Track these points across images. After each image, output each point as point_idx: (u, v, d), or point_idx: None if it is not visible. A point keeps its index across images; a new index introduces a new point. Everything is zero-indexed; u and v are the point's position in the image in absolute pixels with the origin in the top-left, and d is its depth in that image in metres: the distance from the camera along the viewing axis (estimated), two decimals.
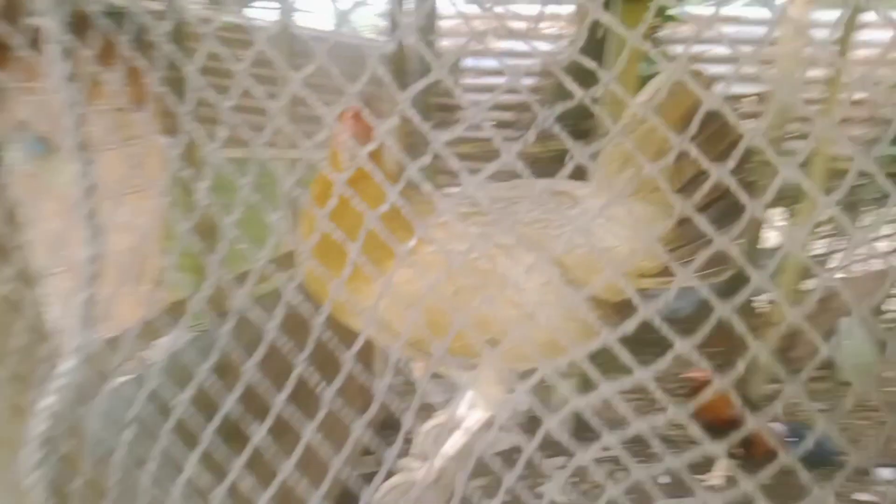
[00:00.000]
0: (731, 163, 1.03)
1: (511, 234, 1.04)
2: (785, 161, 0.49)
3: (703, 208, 1.06)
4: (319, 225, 0.90)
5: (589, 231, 1.09)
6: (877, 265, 3.60)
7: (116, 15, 0.71)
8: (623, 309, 1.15)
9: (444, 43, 4.74)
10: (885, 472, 2.50)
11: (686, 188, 1.10)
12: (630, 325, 0.52)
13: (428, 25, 3.96)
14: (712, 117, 1.06)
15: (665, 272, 1.10)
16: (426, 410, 1.70)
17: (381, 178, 0.67)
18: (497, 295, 1.04)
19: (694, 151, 1.03)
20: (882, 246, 3.63)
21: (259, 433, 0.64)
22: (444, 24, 4.69)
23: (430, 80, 0.55)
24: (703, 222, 0.55)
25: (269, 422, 0.64)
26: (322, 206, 1.01)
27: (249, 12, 4.49)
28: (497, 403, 1.19)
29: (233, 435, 0.70)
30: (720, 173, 0.48)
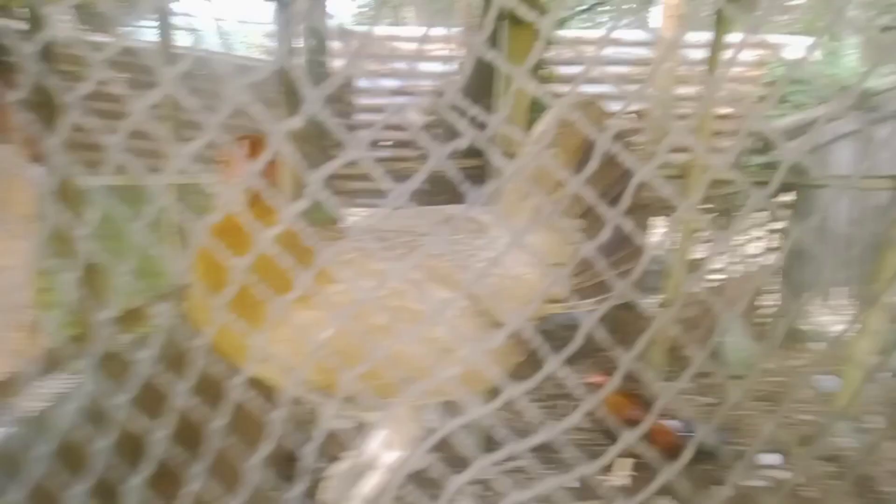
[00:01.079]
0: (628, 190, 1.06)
1: (421, 268, 1.02)
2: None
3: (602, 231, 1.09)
4: (215, 270, 0.84)
5: (499, 261, 1.07)
6: (751, 266, 3.91)
7: None
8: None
9: (337, 63, 4.73)
10: (770, 458, 2.69)
11: (587, 215, 1.13)
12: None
13: (319, 47, 3.92)
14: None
15: (571, 295, 1.11)
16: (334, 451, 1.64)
17: (306, 235, 0.62)
18: (410, 332, 0.99)
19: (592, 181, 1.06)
20: (755, 248, 3.94)
21: None
22: (334, 44, 4.67)
23: (345, 161, 0.53)
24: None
25: None
26: (219, 243, 0.94)
27: (127, 32, 4.27)
28: (412, 440, 1.15)
29: None
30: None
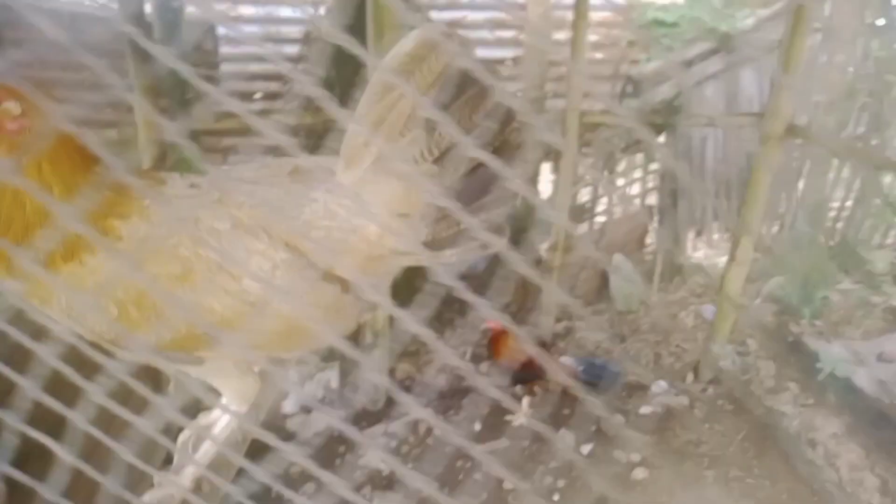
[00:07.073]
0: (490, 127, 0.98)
1: (226, 218, 0.97)
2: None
3: (467, 174, 1.03)
4: None
5: (333, 212, 1.02)
6: (634, 207, 4.04)
7: None
8: (404, 285, 1.12)
9: (191, 9, 4.27)
10: (660, 385, 2.81)
11: (444, 158, 1.05)
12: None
13: None
14: (470, 81, 1.00)
15: (436, 244, 1.06)
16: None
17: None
18: (207, 283, 0.95)
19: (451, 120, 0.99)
20: (636, 189, 4.07)
21: None
22: None
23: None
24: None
25: None
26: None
27: None
28: (246, 395, 1.12)
29: None
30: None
